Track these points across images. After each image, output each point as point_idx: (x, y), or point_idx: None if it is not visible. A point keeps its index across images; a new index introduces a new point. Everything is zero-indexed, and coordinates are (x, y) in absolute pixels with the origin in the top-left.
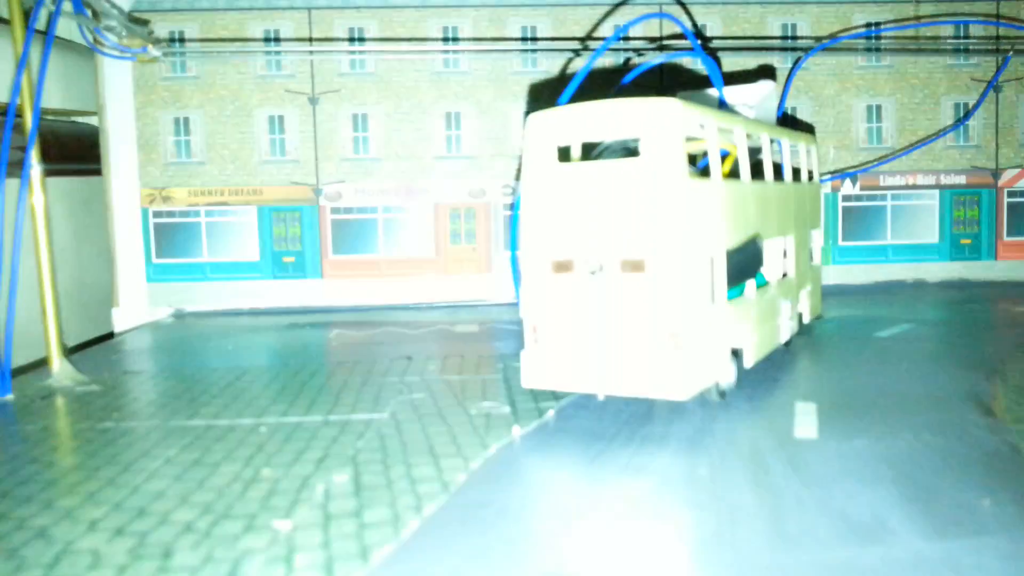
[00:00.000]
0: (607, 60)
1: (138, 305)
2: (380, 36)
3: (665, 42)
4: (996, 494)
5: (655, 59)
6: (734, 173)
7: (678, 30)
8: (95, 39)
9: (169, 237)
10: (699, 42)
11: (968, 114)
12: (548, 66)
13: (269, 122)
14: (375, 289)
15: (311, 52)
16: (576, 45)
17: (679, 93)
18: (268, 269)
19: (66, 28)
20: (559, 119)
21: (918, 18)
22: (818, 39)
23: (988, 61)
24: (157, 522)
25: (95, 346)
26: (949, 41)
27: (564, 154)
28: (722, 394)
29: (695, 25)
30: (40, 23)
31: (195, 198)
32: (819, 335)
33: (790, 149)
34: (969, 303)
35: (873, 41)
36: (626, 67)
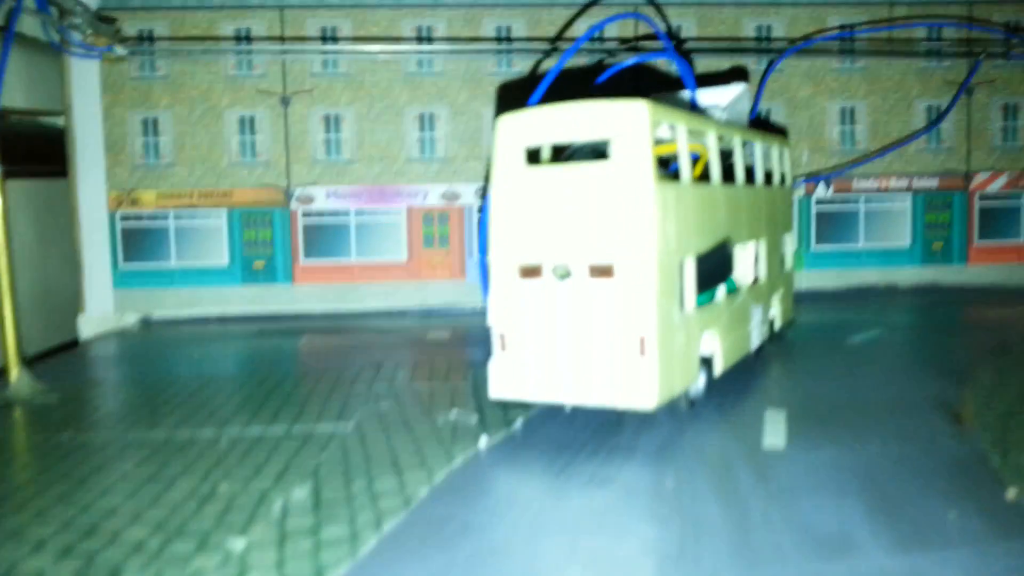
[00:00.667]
0: (581, 60)
1: (104, 311)
2: (353, 36)
3: (638, 43)
4: (962, 505)
5: (628, 60)
6: (705, 176)
7: (652, 31)
8: (60, 37)
9: (137, 241)
10: (672, 43)
11: (940, 117)
12: (523, 67)
13: (240, 123)
14: (347, 295)
15: (283, 52)
16: (550, 46)
17: (651, 95)
18: (238, 274)
19: (32, 26)
20: (528, 121)
21: (891, 20)
22: (792, 41)
23: (961, 64)
24: (107, 541)
25: (58, 354)
26: (922, 44)
27: (534, 156)
28: (691, 403)
29: (668, 26)
30: (0, 19)
31: (164, 201)
32: (790, 341)
33: (762, 152)
34: (940, 308)
35: (847, 43)
36: (600, 68)
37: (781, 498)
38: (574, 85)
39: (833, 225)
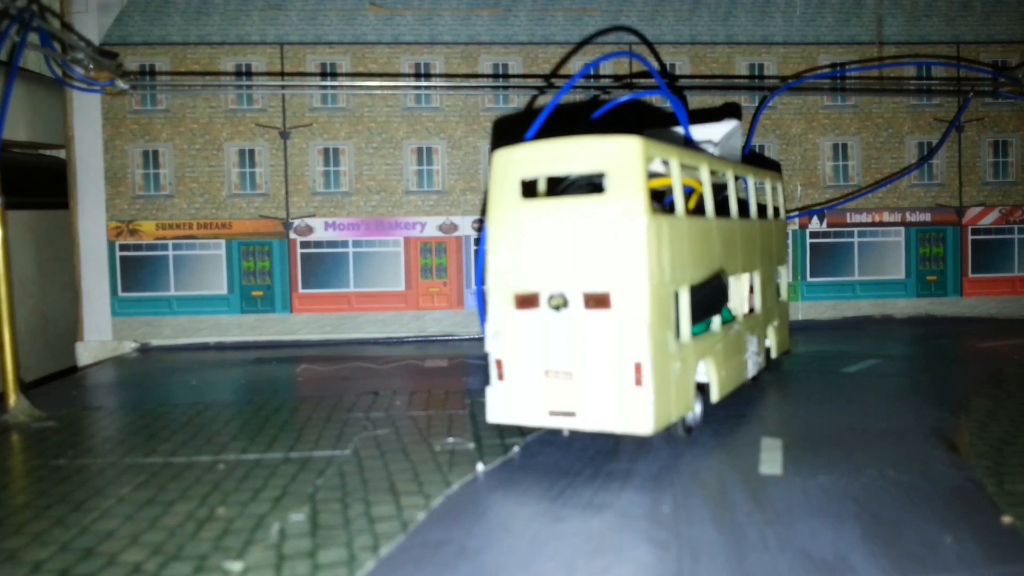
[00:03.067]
0: (577, 96)
1: (102, 339)
2: (352, 71)
3: (633, 80)
4: (958, 531)
5: (622, 96)
6: (699, 209)
7: (646, 68)
8: (63, 72)
9: (135, 270)
10: (665, 81)
11: (931, 152)
12: (520, 102)
13: (239, 155)
14: (345, 324)
15: (283, 86)
16: (545, 82)
17: (646, 130)
18: (236, 303)
19: (34, 60)
20: (524, 155)
21: (881, 59)
22: (783, 79)
23: (950, 102)
24: (104, 563)
25: (56, 381)
26: (912, 82)
27: (530, 189)
28: (688, 429)
29: (662, 64)
30: (4, 54)
31: (163, 231)
32: (786, 370)
33: (756, 186)
34: (935, 339)
35: (838, 81)
36: (594, 104)
37: (778, 523)
38: (569, 120)
39: (828, 257)
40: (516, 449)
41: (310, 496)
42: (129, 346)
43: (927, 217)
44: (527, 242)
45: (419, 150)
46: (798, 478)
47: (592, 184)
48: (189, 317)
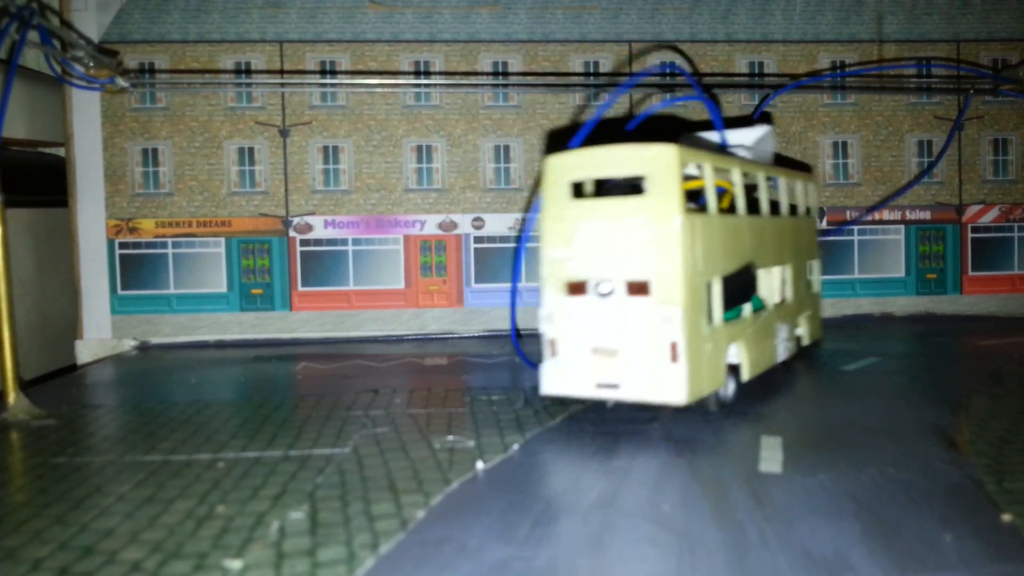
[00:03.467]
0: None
1: (102, 337)
2: (352, 69)
3: (667, 80)
4: (958, 529)
5: (663, 102)
6: (731, 208)
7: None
8: (62, 69)
9: (135, 268)
10: (702, 89)
11: (940, 154)
12: (519, 100)
13: (239, 154)
14: (344, 322)
15: (282, 84)
16: (551, 80)
17: (683, 135)
18: (236, 301)
19: (33, 58)
20: (574, 160)
21: (881, 61)
22: (782, 77)
23: (950, 99)
24: (104, 561)
25: (56, 379)
26: (912, 80)
27: (578, 189)
28: (721, 405)
29: (697, 73)
30: (3, 52)
31: (162, 229)
32: (795, 367)
33: (786, 186)
34: (935, 337)
35: (838, 79)
36: (631, 105)
37: (777, 521)
38: (609, 124)
39: (828, 255)
40: (515, 447)
41: (310, 494)
42: (128, 344)
43: (927, 215)
44: (577, 237)
45: (419, 148)
46: (798, 476)
47: (632, 184)
48: (188, 315)
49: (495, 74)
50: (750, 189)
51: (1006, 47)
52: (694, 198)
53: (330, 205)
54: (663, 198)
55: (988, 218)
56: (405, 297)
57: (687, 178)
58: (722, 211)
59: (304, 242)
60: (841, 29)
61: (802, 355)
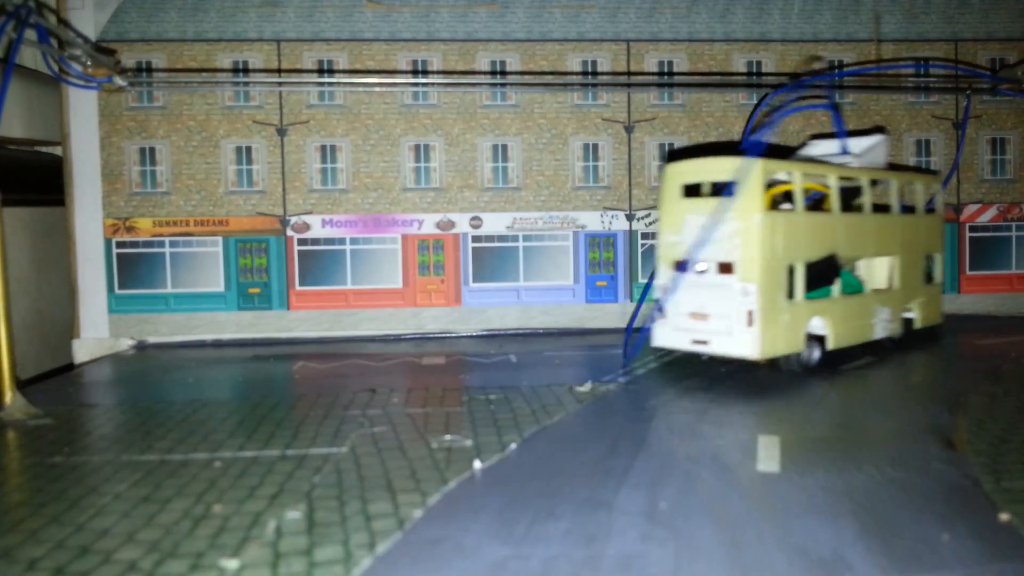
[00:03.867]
0: (741, 97)
1: (99, 336)
2: (349, 68)
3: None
4: (955, 528)
5: (791, 110)
6: (820, 206)
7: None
8: (60, 68)
9: (132, 267)
10: (833, 104)
11: (955, 164)
12: (517, 99)
13: (236, 153)
14: (342, 321)
15: (280, 83)
16: (549, 79)
17: (810, 140)
18: (233, 300)
19: (30, 56)
20: (684, 168)
21: (879, 61)
22: (783, 76)
23: (948, 99)
24: (100, 561)
25: (53, 378)
26: (910, 79)
27: (687, 188)
28: (803, 366)
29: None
30: (0, 51)
31: (160, 228)
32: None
33: (902, 188)
34: (932, 336)
35: (835, 79)
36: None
37: (775, 520)
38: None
39: None
40: (513, 446)
41: (307, 494)
42: (126, 343)
43: None
44: (684, 226)
45: (416, 147)
46: (796, 475)
47: (726, 185)
48: (186, 314)
49: (493, 73)
50: (853, 191)
51: (1004, 46)
52: (789, 198)
53: (328, 204)
54: (747, 199)
55: (986, 217)
56: (403, 296)
57: (778, 183)
58: (812, 209)
59: (302, 241)
60: (839, 28)
61: (914, 336)
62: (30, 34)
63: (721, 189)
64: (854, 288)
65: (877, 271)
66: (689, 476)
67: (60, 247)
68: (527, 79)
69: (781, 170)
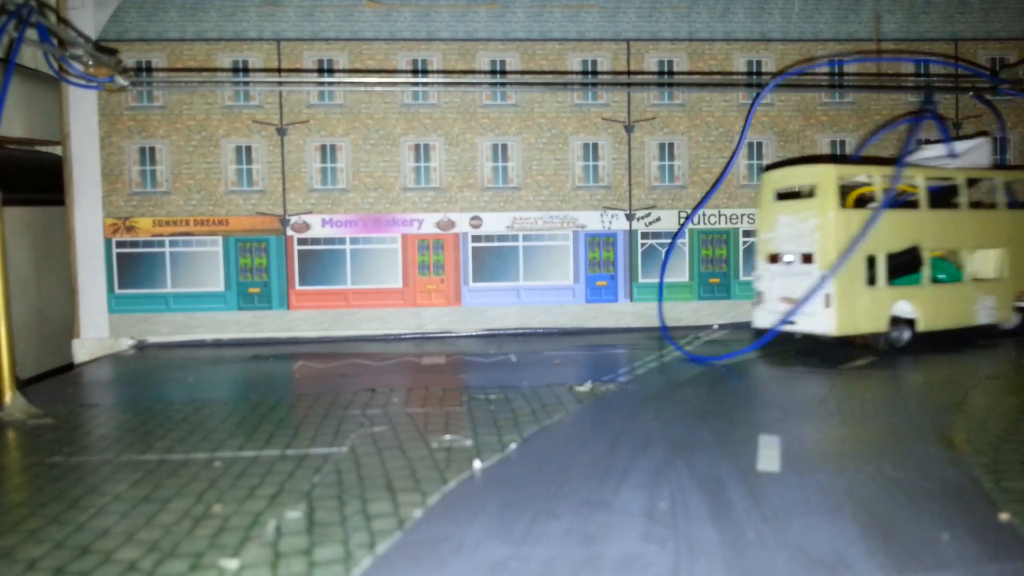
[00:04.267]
0: (741, 96)
1: (99, 336)
2: (349, 68)
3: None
4: (956, 528)
5: (898, 123)
6: (915, 204)
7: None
8: (60, 67)
9: (132, 267)
10: (935, 112)
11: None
12: (517, 99)
13: (236, 152)
14: (342, 321)
15: (280, 83)
16: (549, 79)
17: (921, 146)
18: (233, 300)
19: (30, 55)
20: (776, 176)
21: (879, 52)
22: (802, 71)
23: (947, 98)
24: (100, 561)
25: (52, 378)
26: (910, 78)
27: (780, 192)
28: (891, 345)
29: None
30: (1, 51)
31: (160, 228)
32: (785, 367)
33: (1005, 186)
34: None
35: (836, 78)
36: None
37: (775, 520)
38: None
39: None
40: (513, 446)
41: (307, 493)
42: (126, 343)
43: None
44: (776, 224)
45: (416, 147)
46: (795, 475)
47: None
48: (186, 314)
49: (493, 72)
50: (948, 189)
51: (1004, 46)
52: (871, 200)
53: (328, 204)
54: (824, 200)
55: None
56: (403, 296)
57: (859, 185)
58: (897, 205)
59: (302, 241)
60: (839, 28)
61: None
62: (31, 33)
63: (809, 192)
64: (951, 276)
65: (982, 262)
66: (689, 476)
67: (60, 247)
68: (527, 79)
69: (855, 175)
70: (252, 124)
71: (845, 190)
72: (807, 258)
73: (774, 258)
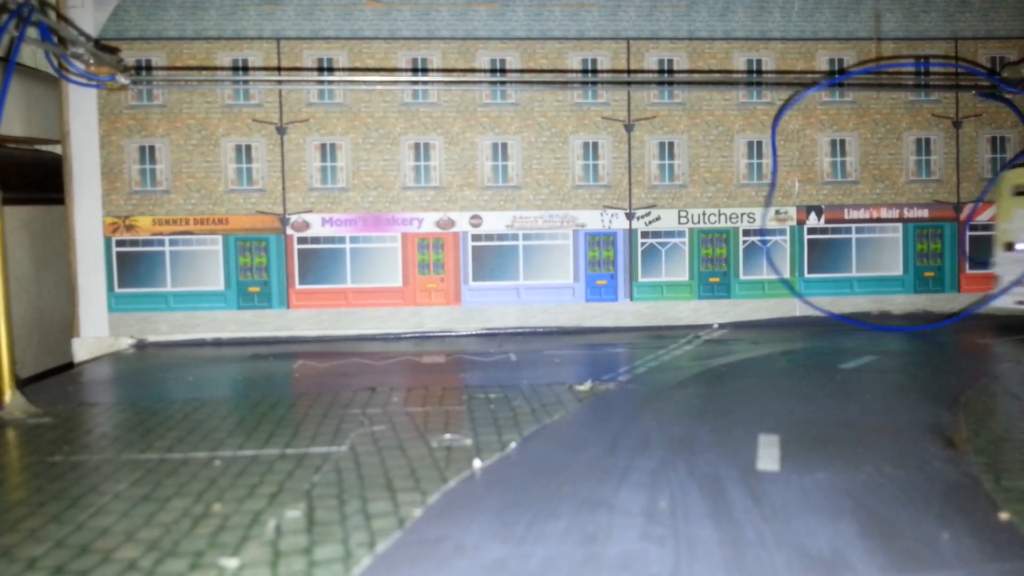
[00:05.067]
0: (741, 96)
1: (99, 335)
2: (349, 67)
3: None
4: (955, 527)
5: None
6: None
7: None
8: (61, 66)
9: (132, 266)
10: None
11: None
12: (517, 98)
13: (236, 151)
14: (342, 320)
15: (279, 82)
16: (549, 78)
17: None
18: (233, 299)
19: (29, 54)
20: (1014, 174)
21: (879, 59)
22: (783, 74)
23: (948, 97)
24: (99, 560)
25: (52, 377)
26: (910, 78)
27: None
28: None
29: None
30: (2, 49)
31: (159, 227)
32: (784, 366)
33: None
34: (932, 335)
35: (836, 77)
36: None
37: (775, 519)
38: None
39: (825, 254)
40: (513, 445)
41: (306, 492)
42: (125, 342)
43: (925, 213)
44: (1014, 217)
45: (416, 146)
46: (795, 474)
47: None
48: (186, 313)
49: (493, 71)
50: None
51: (1004, 45)
52: None
53: (327, 203)
54: (1008, 194)
55: (986, 216)
56: (403, 295)
57: None
58: None
59: (301, 240)
60: (839, 27)
61: None
62: (32, 32)
63: None
64: None
65: None
66: (689, 475)
67: (60, 246)
68: (527, 77)
69: None
70: (252, 123)
71: None
72: (1008, 246)
73: (1009, 246)
